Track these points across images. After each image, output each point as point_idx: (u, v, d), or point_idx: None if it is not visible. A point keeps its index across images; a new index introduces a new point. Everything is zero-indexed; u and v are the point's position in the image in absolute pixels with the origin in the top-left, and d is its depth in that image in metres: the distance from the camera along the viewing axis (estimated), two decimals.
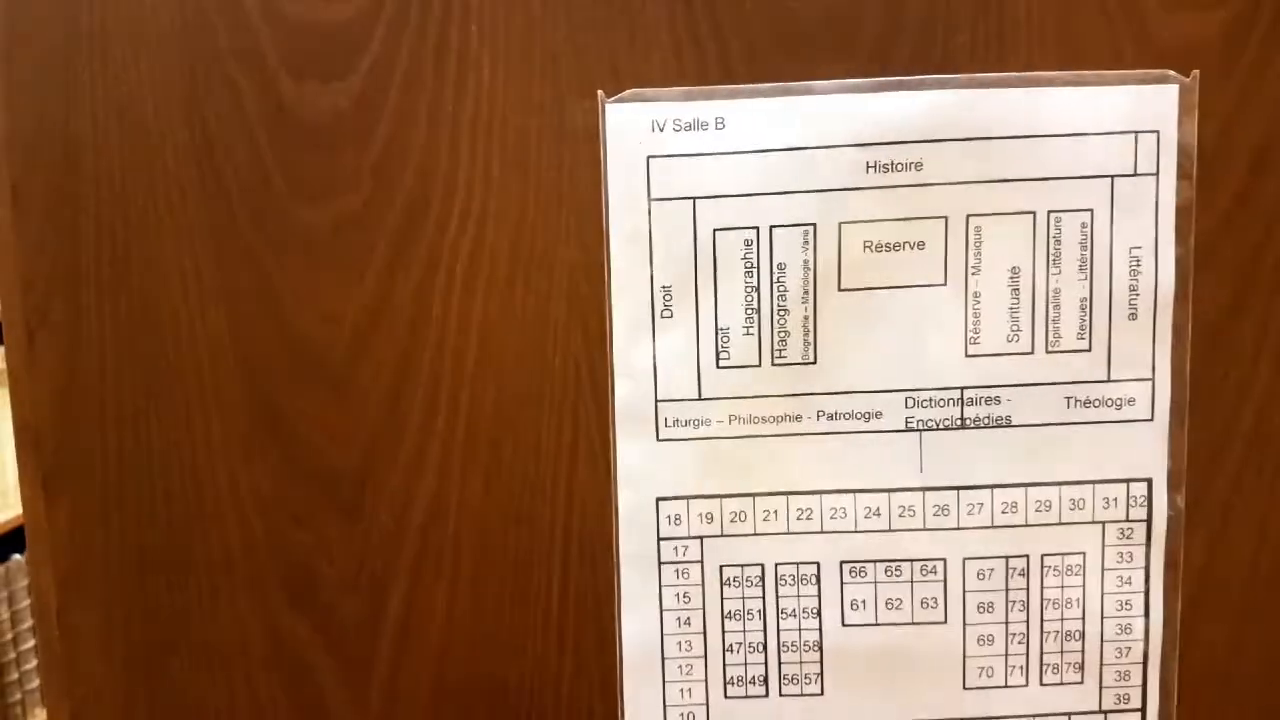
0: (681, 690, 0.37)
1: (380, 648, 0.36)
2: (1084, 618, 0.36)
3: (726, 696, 0.37)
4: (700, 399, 0.35)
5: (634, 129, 0.34)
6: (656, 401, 0.35)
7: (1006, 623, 0.37)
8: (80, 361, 0.34)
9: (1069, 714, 0.37)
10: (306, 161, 0.34)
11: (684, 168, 0.34)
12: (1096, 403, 0.36)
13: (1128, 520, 0.36)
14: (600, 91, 0.34)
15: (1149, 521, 0.36)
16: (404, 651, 0.36)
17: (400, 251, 0.35)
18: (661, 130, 0.34)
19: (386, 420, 0.35)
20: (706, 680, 0.37)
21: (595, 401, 0.35)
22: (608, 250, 0.35)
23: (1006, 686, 0.37)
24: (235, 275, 0.34)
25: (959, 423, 0.36)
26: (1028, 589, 0.36)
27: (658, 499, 0.36)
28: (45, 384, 0.34)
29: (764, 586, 0.36)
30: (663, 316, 0.35)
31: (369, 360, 0.35)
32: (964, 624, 0.37)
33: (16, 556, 1.88)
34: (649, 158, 0.34)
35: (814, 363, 0.35)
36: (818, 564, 0.36)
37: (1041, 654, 0.37)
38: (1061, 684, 0.37)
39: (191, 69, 0.33)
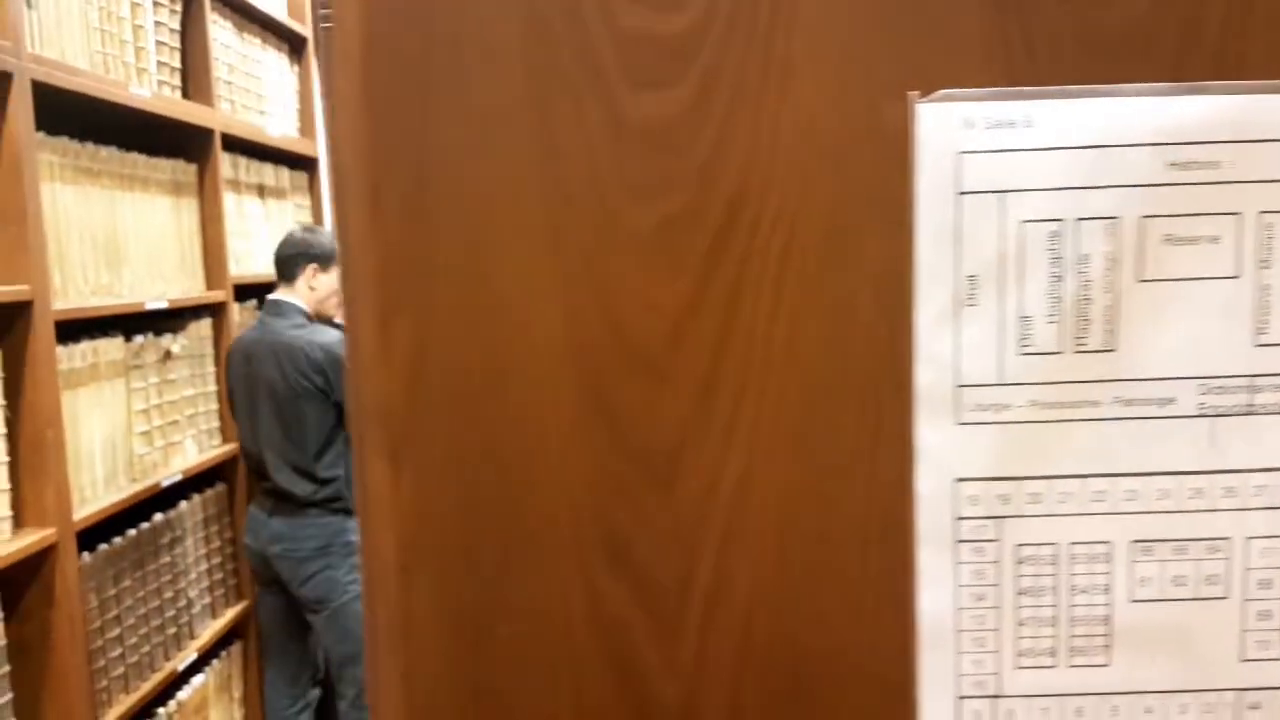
0: (974, 661, 0.42)
1: (690, 612, 0.43)
2: None
3: (1016, 667, 0.43)
4: (1001, 384, 0.41)
5: (945, 127, 0.40)
6: (958, 387, 0.41)
7: None
8: (428, 347, 0.42)
9: None
10: (637, 165, 0.41)
11: (992, 163, 0.40)
12: None
13: None
14: (913, 93, 0.40)
15: None
16: (712, 616, 0.43)
17: (719, 246, 0.41)
18: (971, 128, 0.40)
19: (700, 403, 0.42)
20: (999, 651, 0.42)
21: (897, 386, 0.41)
22: (915, 242, 0.41)
23: None
24: (569, 270, 0.41)
25: (1248, 409, 0.41)
26: None
27: (956, 480, 0.42)
28: (396, 367, 0.41)
29: (1057, 564, 0.42)
30: (967, 305, 0.41)
31: (686, 347, 0.42)
32: (1243, 600, 0.42)
33: (103, 546, 2.03)
34: (959, 154, 0.40)
35: (1113, 350, 0.41)
36: (1110, 543, 0.42)
37: None
38: None
39: (536, 78, 0.40)
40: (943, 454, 0.42)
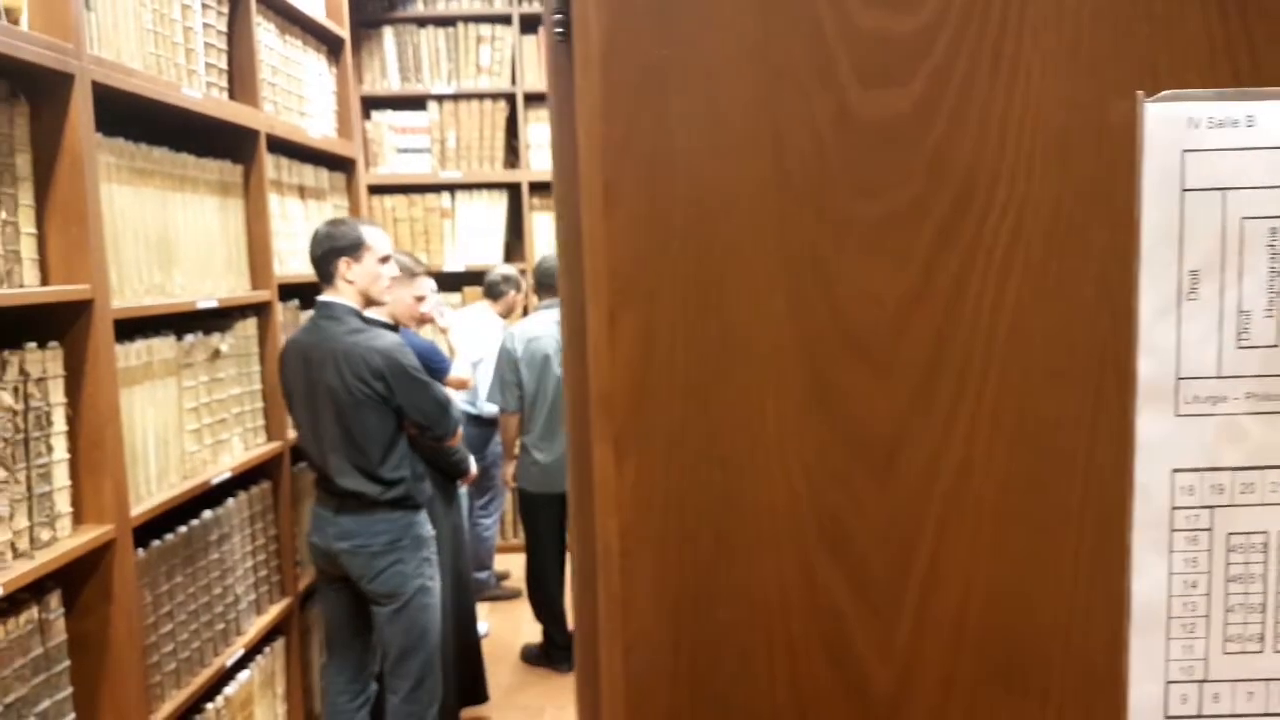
0: (1183, 646, 0.43)
1: (906, 598, 0.43)
2: None
3: (1224, 652, 0.43)
4: (1219, 377, 0.42)
5: (1170, 126, 0.41)
6: (1177, 379, 0.42)
7: None
8: (655, 339, 0.42)
9: None
10: (866, 160, 0.41)
11: (1215, 161, 0.41)
12: None
13: None
14: (1139, 92, 0.41)
15: None
16: (927, 603, 0.44)
17: (944, 239, 0.42)
18: (1196, 127, 0.41)
19: (920, 392, 0.43)
20: (1208, 637, 0.43)
21: (1117, 378, 0.42)
22: (1139, 237, 0.41)
23: None
24: (796, 263, 0.42)
25: None
26: None
27: (1173, 470, 0.42)
28: (622, 358, 0.42)
29: (1267, 552, 0.43)
30: (1188, 299, 0.42)
31: (908, 338, 0.42)
32: None
33: (156, 543, 2.04)
34: (1184, 151, 0.41)
35: None
36: None
37: None
38: None
39: (769, 78, 0.41)
40: (1161, 444, 0.42)
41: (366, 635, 2.53)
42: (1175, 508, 0.43)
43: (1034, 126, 0.41)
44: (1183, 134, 0.41)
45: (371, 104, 4.37)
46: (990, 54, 0.41)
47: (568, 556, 3.33)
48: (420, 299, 2.68)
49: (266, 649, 2.49)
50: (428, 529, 2.50)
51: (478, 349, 3.46)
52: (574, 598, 0.44)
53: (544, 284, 3.28)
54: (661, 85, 0.41)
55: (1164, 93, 0.41)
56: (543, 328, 3.22)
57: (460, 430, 2.60)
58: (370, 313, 2.43)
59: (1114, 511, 0.43)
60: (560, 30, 0.41)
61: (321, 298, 2.43)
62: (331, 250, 2.40)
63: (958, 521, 0.43)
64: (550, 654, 3.38)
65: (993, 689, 0.44)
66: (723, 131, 0.41)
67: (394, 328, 2.51)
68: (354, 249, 2.41)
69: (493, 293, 3.73)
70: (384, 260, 2.43)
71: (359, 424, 2.35)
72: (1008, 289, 0.42)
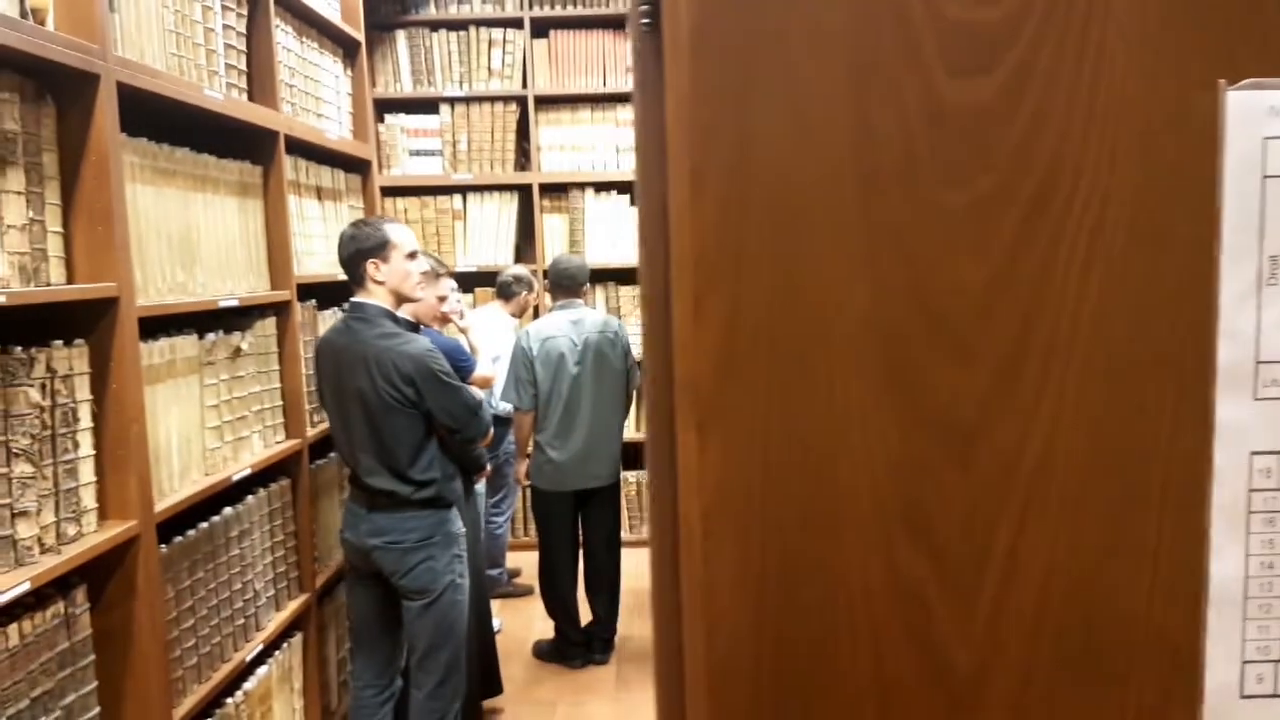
0: (1259, 627, 0.43)
1: (986, 582, 0.44)
2: None
3: None
4: None
5: (1252, 114, 0.41)
6: (1257, 363, 0.42)
7: None
8: (739, 325, 0.43)
9: None
10: (951, 147, 0.42)
11: None
12: None
13: None
14: (1221, 81, 0.41)
15: None
16: (1008, 587, 0.44)
17: (1027, 228, 0.42)
18: (1278, 115, 0.41)
19: (1003, 379, 0.43)
20: None
21: (1199, 362, 0.42)
22: (1221, 223, 0.42)
23: None
24: (878, 250, 0.42)
25: None
26: None
27: (1251, 453, 0.43)
28: (707, 343, 0.42)
29: None
30: (1268, 284, 0.42)
31: (992, 324, 0.43)
32: None
33: (178, 539, 2.04)
34: (1265, 139, 0.41)
35: None
36: None
37: None
38: None
39: (858, 67, 0.41)
40: (1240, 428, 0.43)
41: (395, 631, 2.52)
42: (1253, 490, 0.43)
43: (1117, 115, 0.41)
44: (1265, 122, 0.41)
45: (384, 107, 4.38)
46: (1075, 43, 0.41)
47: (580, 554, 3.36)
48: (442, 299, 2.69)
49: (284, 644, 2.49)
50: (459, 526, 2.50)
51: (492, 348, 3.47)
52: (653, 582, 0.45)
53: (559, 285, 3.29)
54: (749, 73, 0.41)
55: (1246, 81, 0.41)
56: (558, 327, 3.22)
57: (491, 432, 2.61)
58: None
59: (1194, 495, 0.43)
60: (647, 21, 0.42)
61: (354, 299, 2.42)
62: (358, 253, 2.38)
63: (1039, 507, 0.43)
64: (562, 649, 3.39)
65: (1071, 670, 0.44)
66: (809, 119, 0.42)
67: (416, 327, 2.52)
68: (380, 249, 2.39)
69: (505, 293, 3.74)
70: (411, 256, 2.43)
71: (388, 427, 2.34)
72: (1091, 277, 0.42)
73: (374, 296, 2.41)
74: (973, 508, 0.44)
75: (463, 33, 4.35)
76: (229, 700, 2.21)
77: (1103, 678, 0.44)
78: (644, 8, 0.42)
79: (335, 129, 3.04)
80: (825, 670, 0.44)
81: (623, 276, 4.34)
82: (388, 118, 4.38)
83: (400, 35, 4.36)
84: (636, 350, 3.37)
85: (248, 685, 2.28)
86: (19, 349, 1.62)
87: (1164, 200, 0.42)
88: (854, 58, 0.41)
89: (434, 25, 4.37)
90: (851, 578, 0.44)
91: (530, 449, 3.33)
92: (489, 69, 4.35)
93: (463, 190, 4.37)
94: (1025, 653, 0.44)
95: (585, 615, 3.43)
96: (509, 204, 4.39)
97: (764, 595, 0.44)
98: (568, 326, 3.22)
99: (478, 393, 2.64)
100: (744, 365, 0.43)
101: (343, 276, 2.97)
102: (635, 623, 3.60)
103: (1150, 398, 0.43)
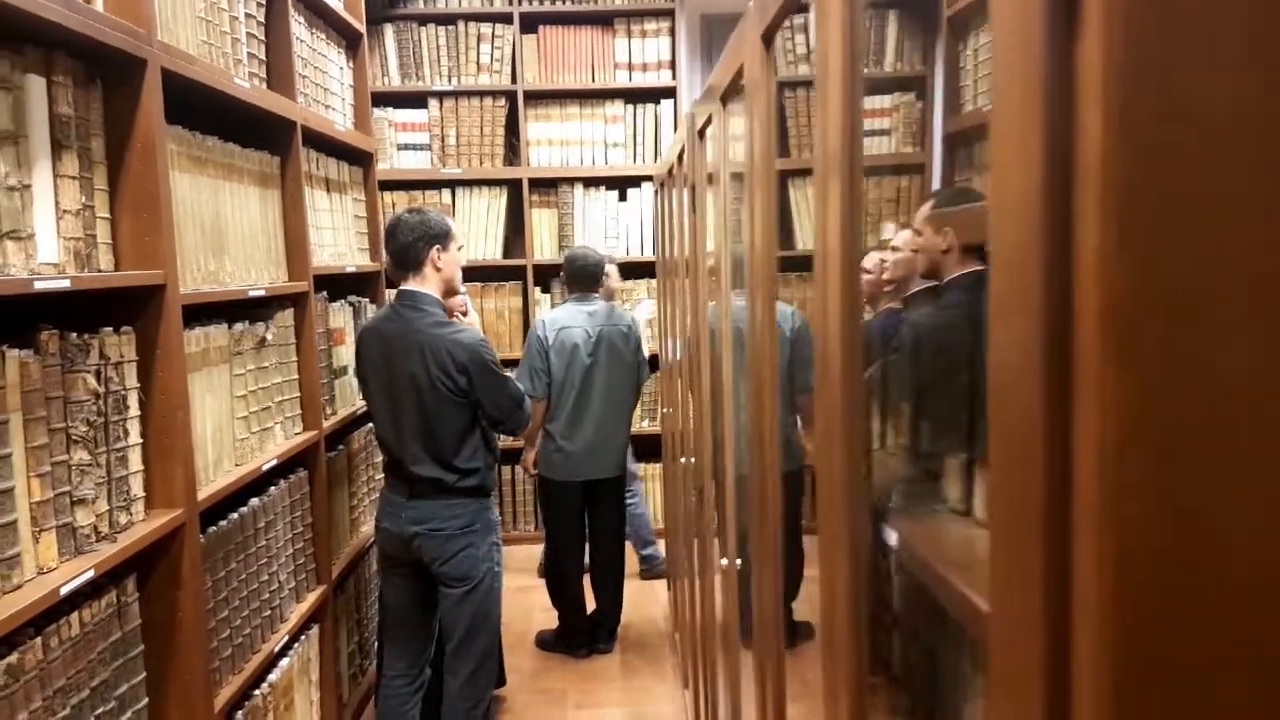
0: None
1: None
2: None
3: None
4: None
5: None
6: None
7: None
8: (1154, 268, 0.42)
9: None
10: None
11: None
12: None
13: None
14: None
15: None
16: None
17: None
18: None
19: None
20: None
21: None
22: None
23: None
24: None
25: None
26: None
27: None
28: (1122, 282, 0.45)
29: None
30: None
31: None
32: None
33: (212, 529, 2.02)
34: None
35: None
36: None
37: None
38: None
39: None
40: None
41: (429, 622, 2.53)
42: None
43: None
44: None
45: (372, 100, 4.34)
46: None
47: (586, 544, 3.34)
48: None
49: (302, 636, 2.48)
50: (496, 514, 2.52)
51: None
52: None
53: (575, 278, 3.29)
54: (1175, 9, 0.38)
55: None
56: (573, 318, 3.24)
57: (530, 424, 2.65)
58: None
59: None
60: None
61: (405, 286, 2.40)
62: (426, 236, 2.35)
63: None
64: (566, 639, 3.41)
65: None
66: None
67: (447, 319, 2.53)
68: (444, 237, 2.39)
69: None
70: (460, 249, 2.46)
71: (439, 414, 2.35)
72: None
73: (427, 284, 2.40)
74: None
75: (451, 27, 4.34)
76: (256, 692, 2.20)
77: None
78: None
79: (341, 120, 3.03)
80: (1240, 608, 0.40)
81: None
82: (376, 111, 4.35)
83: (389, 29, 4.33)
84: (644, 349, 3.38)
85: (272, 677, 2.27)
86: (74, 335, 1.59)
87: None
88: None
89: (422, 19, 4.35)
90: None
91: (538, 438, 3.35)
92: (478, 64, 4.35)
93: (452, 185, 4.36)
94: None
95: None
96: (498, 199, 4.39)
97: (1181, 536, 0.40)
98: (583, 318, 3.25)
99: (522, 385, 2.67)
100: (1161, 304, 0.39)
101: (351, 269, 2.96)
102: (635, 612, 3.64)
103: None
